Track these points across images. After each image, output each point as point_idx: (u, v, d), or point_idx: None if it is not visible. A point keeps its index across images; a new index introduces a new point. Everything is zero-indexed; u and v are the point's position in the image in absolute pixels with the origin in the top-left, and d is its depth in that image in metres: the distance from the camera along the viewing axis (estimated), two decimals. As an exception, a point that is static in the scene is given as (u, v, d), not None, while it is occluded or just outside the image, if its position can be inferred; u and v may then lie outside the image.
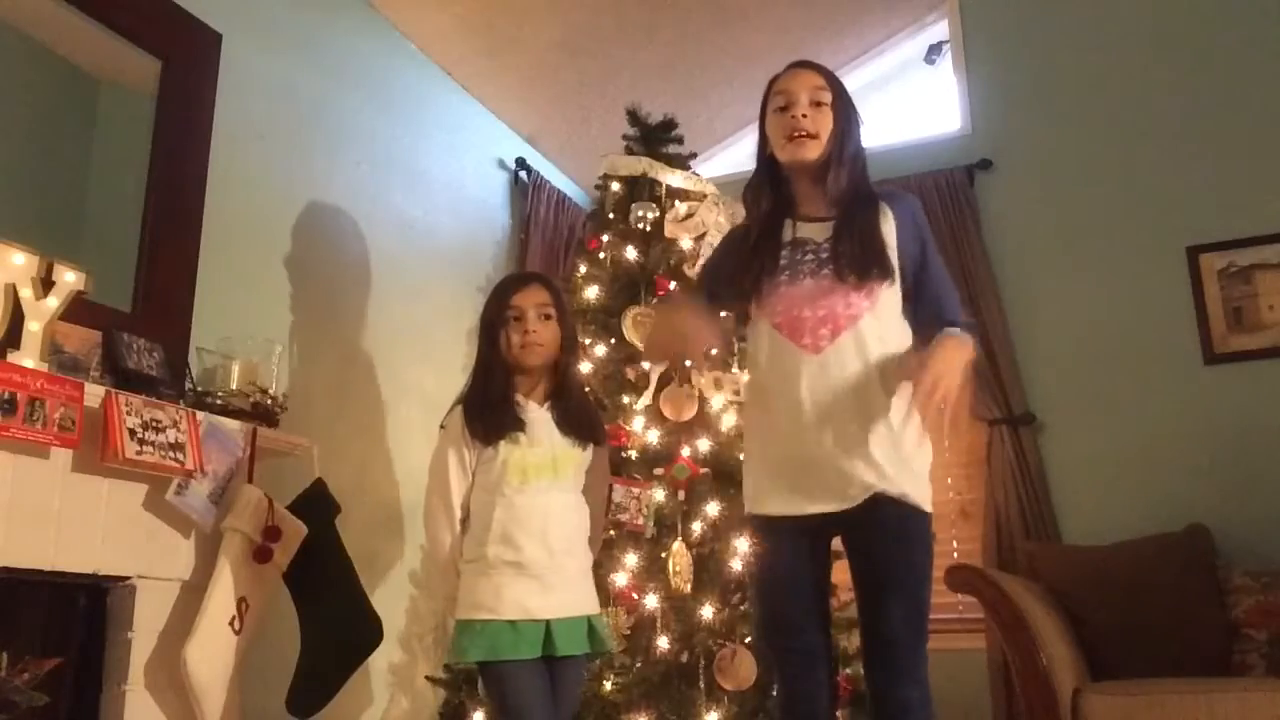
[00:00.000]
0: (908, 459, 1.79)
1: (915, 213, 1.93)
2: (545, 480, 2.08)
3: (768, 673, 2.62)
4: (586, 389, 2.66)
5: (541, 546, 2.03)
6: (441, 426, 2.21)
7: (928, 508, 1.80)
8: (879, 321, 1.82)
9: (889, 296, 1.84)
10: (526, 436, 2.10)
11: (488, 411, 2.12)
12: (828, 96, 1.89)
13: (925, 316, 1.89)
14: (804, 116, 1.86)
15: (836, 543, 1.93)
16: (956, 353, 1.75)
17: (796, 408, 1.80)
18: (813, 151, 1.87)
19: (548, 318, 2.16)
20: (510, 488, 2.07)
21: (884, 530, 1.77)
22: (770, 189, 1.96)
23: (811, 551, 1.87)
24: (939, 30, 4.40)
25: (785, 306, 1.86)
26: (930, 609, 1.80)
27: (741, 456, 2.17)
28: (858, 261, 1.82)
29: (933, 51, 4.44)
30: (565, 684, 2.06)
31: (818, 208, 1.92)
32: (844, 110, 1.91)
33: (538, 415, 2.14)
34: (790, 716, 1.88)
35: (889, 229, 1.86)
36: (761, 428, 1.91)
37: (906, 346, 1.85)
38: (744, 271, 1.93)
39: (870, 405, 1.78)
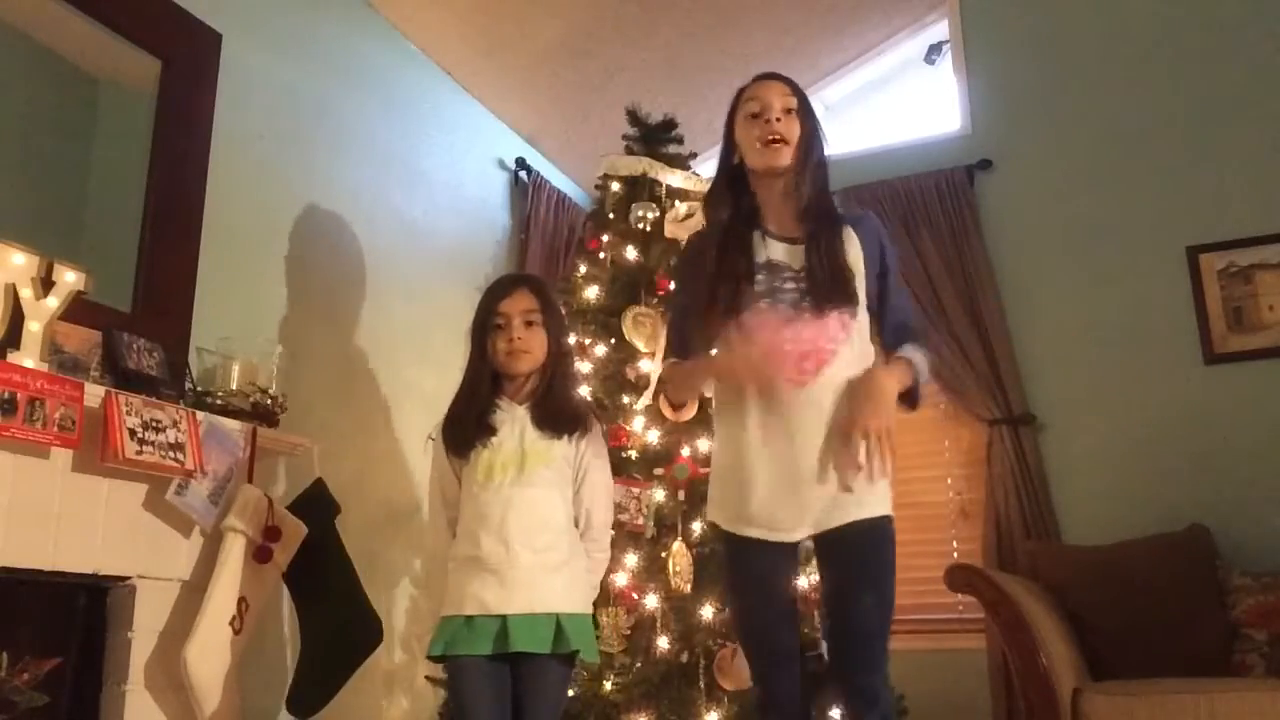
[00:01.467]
0: (875, 475, 1.83)
1: (876, 232, 2.00)
2: (509, 476, 2.07)
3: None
4: (584, 389, 2.64)
5: (498, 541, 2.02)
6: (430, 438, 2.22)
7: (890, 510, 1.89)
8: (853, 350, 1.89)
9: (858, 324, 1.91)
10: (497, 437, 2.11)
11: (461, 425, 2.15)
12: (795, 103, 1.95)
13: (888, 329, 1.99)
14: (778, 121, 1.91)
15: None
16: (882, 390, 1.82)
17: (781, 439, 1.84)
18: (786, 157, 1.92)
19: (532, 324, 2.15)
20: (477, 485, 2.09)
21: (860, 535, 1.84)
22: (731, 196, 2.00)
23: (786, 562, 1.92)
24: (939, 30, 4.40)
25: (768, 337, 1.88)
26: (895, 602, 1.88)
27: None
28: (833, 296, 1.87)
29: (933, 51, 4.44)
30: (534, 685, 2.01)
31: (785, 223, 1.95)
32: (809, 119, 1.97)
33: (513, 414, 2.14)
34: (771, 713, 1.92)
35: (855, 253, 1.92)
36: (739, 447, 1.90)
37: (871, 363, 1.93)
38: (715, 293, 1.93)
39: (845, 432, 1.82)
